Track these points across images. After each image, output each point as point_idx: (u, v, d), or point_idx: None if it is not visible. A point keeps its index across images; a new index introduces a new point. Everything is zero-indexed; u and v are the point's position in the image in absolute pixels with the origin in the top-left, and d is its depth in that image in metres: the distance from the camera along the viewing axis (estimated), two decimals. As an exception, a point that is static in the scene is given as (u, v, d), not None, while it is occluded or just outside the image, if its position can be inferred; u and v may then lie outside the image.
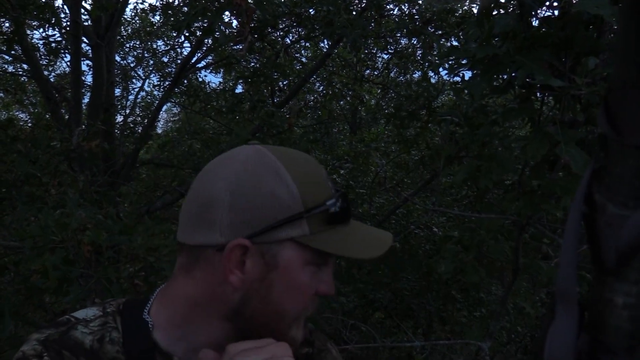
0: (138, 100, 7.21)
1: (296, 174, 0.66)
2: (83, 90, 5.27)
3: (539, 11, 1.59)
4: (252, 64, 5.41)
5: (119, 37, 6.37)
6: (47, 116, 5.53)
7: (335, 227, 0.68)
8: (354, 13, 4.37)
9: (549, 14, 1.59)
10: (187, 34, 4.85)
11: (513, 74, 1.53)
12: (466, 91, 1.95)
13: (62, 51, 5.43)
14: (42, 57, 6.21)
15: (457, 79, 2.20)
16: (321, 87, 6.17)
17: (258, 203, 0.64)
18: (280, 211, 0.64)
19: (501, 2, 1.64)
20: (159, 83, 7.43)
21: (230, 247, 0.64)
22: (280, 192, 0.65)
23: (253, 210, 0.64)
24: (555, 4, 1.55)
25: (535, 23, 1.60)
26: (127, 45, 7.28)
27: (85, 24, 4.92)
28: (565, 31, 1.49)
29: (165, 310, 0.69)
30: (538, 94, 1.71)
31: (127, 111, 6.89)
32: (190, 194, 0.69)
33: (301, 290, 0.67)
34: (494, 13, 1.62)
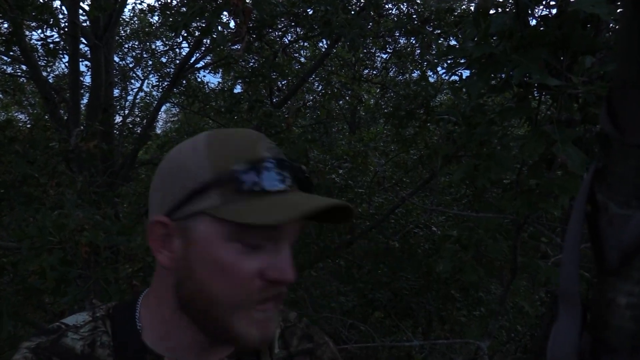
0: (137, 100, 7.21)
1: (215, 146, 0.62)
2: (81, 91, 5.27)
3: (535, 10, 1.59)
4: (251, 64, 5.41)
5: (117, 38, 6.36)
6: (46, 117, 5.52)
7: (256, 197, 0.60)
8: (352, 13, 4.37)
9: (546, 12, 1.59)
10: (185, 35, 4.85)
11: (510, 73, 1.53)
12: (464, 90, 1.95)
13: (61, 52, 5.42)
14: (41, 58, 6.20)
15: (455, 78, 2.20)
16: (320, 87, 6.17)
17: (172, 178, 0.62)
18: (190, 183, 0.61)
19: (498, 1, 1.64)
20: (157, 83, 7.42)
21: (149, 225, 0.63)
22: (190, 163, 0.62)
23: (168, 186, 0.62)
24: (552, 2, 1.55)
25: (532, 22, 1.60)
26: (126, 46, 7.27)
27: (84, 24, 4.91)
28: (562, 30, 1.49)
29: (148, 311, 0.69)
30: (535, 93, 1.71)
31: (126, 112, 6.89)
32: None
33: (228, 270, 0.60)
34: (491, 12, 1.62)
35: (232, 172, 0.60)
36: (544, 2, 1.56)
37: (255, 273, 0.60)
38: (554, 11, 1.56)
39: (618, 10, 1.29)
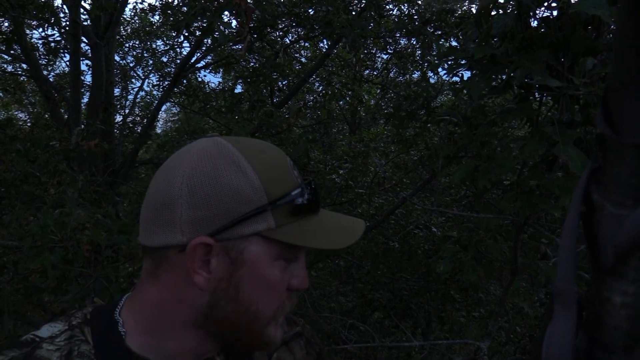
0: (137, 100, 7.20)
1: (257, 164, 0.62)
2: (82, 90, 5.27)
3: (537, 11, 1.60)
4: (252, 63, 5.41)
5: (118, 37, 6.36)
6: (46, 116, 5.53)
7: (302, 218, 0.64)
8: (353, 13, 4.37)
9: (547, 14, 1.60)
10: (186, 34, 4.85)
11: (511, 74, 1.53)
12: (465, 91, 1.95)
13: (61, 51, 5.42)
14: (41, 56, 6.21)
15: (456, 79, 2.21)
16: (320, 87, 6.17)
17: (218, 197, 0.60)
18: (242, 205, 0.60)
19: (500, 2, 1.64)
20: (158, 83, 7.42)
21: (192, 246, 0.60)
22: (241, 184, 0.61)
23: (213, 206, 0.60)
24: (553, 4, 1.55)
25: (533, 23, 1.60)
26: (127, 45, 7.28)
27: (85, 23, 4.92)
28: (563, 31, 1.49)
29: (134, 316, 0.66)
30: (536, 94, 1.71)
31: (127, 111, 6.89)
32: (149, 193, 0.65)
33: (272, 286, 0.63)
34: (492, 13, 1.63)
35: (287, 196, 0.63)
36: (545, 4, 1.56)
37: (286, 285, 0.65)
38: (555, 13, 1.57)
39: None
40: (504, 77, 1.60)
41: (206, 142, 0.65)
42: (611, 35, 1.64)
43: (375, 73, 7.01)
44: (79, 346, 0.64)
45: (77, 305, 1.93)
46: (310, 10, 4.42)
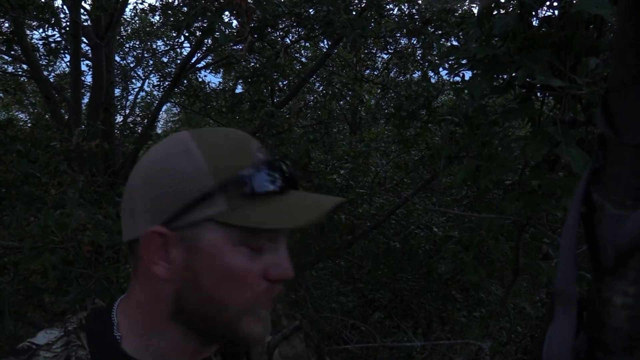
0: (138, 100, 7.20)
1: (207, 147, 0.60)
2: (83, 91, 5.27)
3: (539, 11, 1.59)
4: (252, 63, 5.41)
5: (118, 37, 6.36)
6: (47, 116, 5.53)
7: (263, 199, 0.60)
8: (354, 13, 4.37)
9: (549, 13, 1.59)
10: (186, 34, 4.85)
11: (513, 74, 1.53)
12: (466, 91, 1.95)
13: (62, 51, 5.42)
14: (42, 57, 6.21)
15: (457, 78, 2.20)
16: (321, 87, 6.17)
17: (167, 184, 0.59)
18: (190, 190, 0.58)
19: (501, 2, 1.64)
20: (158, 83, 7.42)
21: (144, 236, 0.60)
22: (186, 168, 0.59)
23: (164, 193, 0.59)
24: (555, 3, 1.55)
25: (535, 23, 1.60)
26: (127, 46, 7.28)
27: (85, 24, 4.92)
28: (565, 31, 1.49)
29: (126, 319, 0.66)
30: (538, 94, 1.71)
31: (127, 111, 6.89)
32: (124, 190, 0.66)
33: (236, 276, 0.59)
34: (494, 13, 1.62)
35: (237, 176, 0.59)
36: (547, 3, 1.56)
37: (260, 275, 0.61)
38: (557, 12, 1.56)
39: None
40: (506, 76, 1.60)
41: (172, 135, 0.65)
42: (613, 34, 1.63)
43: (375, 73, 7.01)
44: (76, 352, 0.64)
45: (77, 307, 1.93)
46: (310, 10, 4.42)
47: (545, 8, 1.58)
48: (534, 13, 1.57)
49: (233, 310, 0.60)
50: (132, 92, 7.14)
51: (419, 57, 5.64)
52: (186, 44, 6.85)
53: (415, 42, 5.62)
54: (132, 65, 7.20)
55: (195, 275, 0.60)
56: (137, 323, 0.65)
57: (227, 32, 3.01)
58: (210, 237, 0.59)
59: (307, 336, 0.83)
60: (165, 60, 7.38)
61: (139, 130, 5.76)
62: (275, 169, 0.62)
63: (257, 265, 0.60)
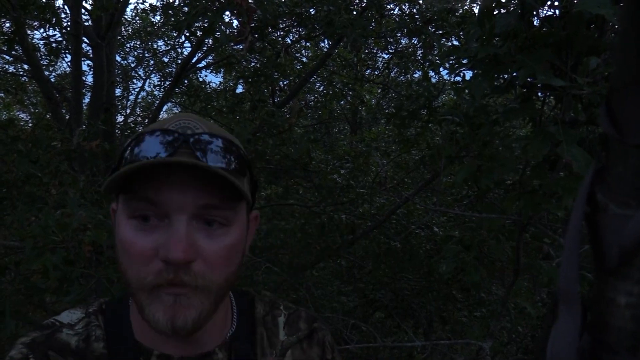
0: (139, 100, 7.22)
1: (142, 130, 0.63)
2: (83, 90, 5.28)
3: (540, 10, 1.59)
4: (253, 63, 5.41)
5: (119, 37, 6.37)
6: (48, 116, 5.53)
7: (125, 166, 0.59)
8: (355, 13, 4.37)
9: (551, 13, 1.59)
10: (187, 34, 4.85)
11: (514, 74, 1.53)
12: (467, 91, 1.95)
13: (63, 51, 5.43)
14: (43, 57, 6.22)
15: (458, 78, 2.20)
16: (321, 87, 6.17)
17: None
18: (115, 167, 0.63)
19: (502, 1, 1.64)
20: (159, 83, 7.44)
21: (110, 211, 0.66)
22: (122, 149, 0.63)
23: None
24: (556, 3, 1.54)
25: (536, 22, 1.60)
26: (128, 45, 7.29)
27: (86, 24, 4.92)
28: (567, 30, 1.49)
29: (133, 305, 0.69)
30: (539, 94, 1.71)
31: (128, 111, 6.91)
32: None
33: (125, 248, 0.58)
34: (495, 12, 1.62)
35: (122, 149, 0.62)
36: (548, 3, 1.55)
37: (151, 252, 0.58)
38: (558, 12, 1.56)
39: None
40: (507, 76, 1.60)
41: None
42: (615, 34, 1.63)
43: (376, 73, 7.01)
44: (95, 331, 0.68)
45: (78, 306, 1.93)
46: (311, 10, 4.42)
47: (546, 8, 1.58)
48: (535, 13, 1.57)
49: (133, 286, 0.59)
50: (133, 92, 7.15)
51: (419, 57, 5.64)
52: (187, 44, 6.86)
53: (416, 42, 5.62)
54: (133, 65, 7.21)
55: (116, 247, 0.62)
56: (132, 305, 0.68)
57: (227, 32, 3.01)
58: (119, 208, 0.62)
59: (322, 344, 0.80)
60: (166, 60, 7.39)
61: (140, 130, 5.76)
62: (161, 134, 0.60)
63: (145, 240, 0.58)
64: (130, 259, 0.58)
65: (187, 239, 0.57)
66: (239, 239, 0.63)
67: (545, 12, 1.59)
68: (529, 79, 1.53)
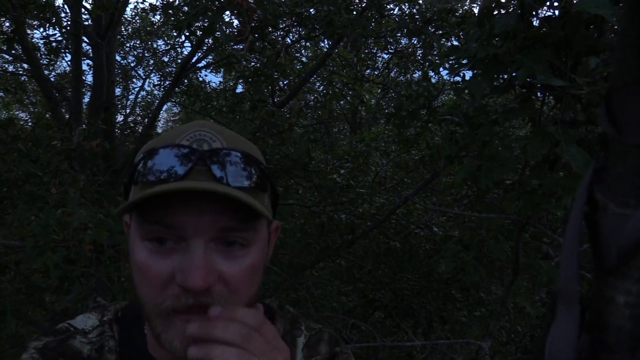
0: (138, 99, 7.22)
1: (155, 143, 0.59)
2: (83, 90, 5.28)
3: (539, 11, 1.59)
4: (253, 63, 5.42)
5: (119, 37, 6.36)
6: (48, 115, 5.53)
7: (145, 187, 0.55)
8: (354, 13, 4.37)
9: (550, 13, 1.59)
10: (187, 34, 4.85)
11: (514, 74, 1.53)
12: (467, 91, 1.95)
13: (63, 51, 5.43)
14: (43, 56, 6.21)
15: (458, 78, 2.21)
16: (321, 87, 6.17)
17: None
18: (126, 187, 0.61)
19: (502, 2, 1.64)
20: (159, 82, 7.43)
21: (124, 223, 0.63)
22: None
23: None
24: (555, 3, 1.55)
25: (536, 23, 1.60)
26: (128, 45, 7.28)
27: (86, 23, 4.92)
28: (566, 31, 1.49)
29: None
30: (539, 94, 1.71)
31: (128, 110, 6.91)
32: None
33: (140, 271, 0.56)
34: (494, 13, 1.62)
35: (134, 165, 0.58)
36: (547, 3, 1.56)
37: (167, 276, 0.55)
38: (557, 12, 1.56)
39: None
40: (506, 76, 1.60)
41: None
42: (614, 34, 1.64)
43: (376, 73, 7.01)
44: (109, 342, 0.66)
45: (79, 305, 1.94)
46: (311, 10, 4.42)
47: (545, 8, 1.58)
48: (534, 13, 1.57)
49: (148, 310, 0.56)
50: (132, 91, 7.15)
51: (419, 57, 5.64)
52: (187, 44, 6.86)
53: (415, 42, 5.62)
54: (132, 64, 7.21)
55: (131, 266, 0.59)
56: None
57: (227, 31, 3.01)
58: (132, 227, 0.59)
59: None
60: (165, 59, 7.39)
61: (140, 130, 5.76)
62: (183, 154, 0.56)
63: (161, 264, 0.55)
64: (145, 282, 0.56)
65: (205, 265, 0.54)
66: (260, 258, 0.60)
67: (544, 12, 1.59)
68: (528, 79, 1.53)
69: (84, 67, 5.06)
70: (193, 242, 0.54)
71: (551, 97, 1.71)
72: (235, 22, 3.41)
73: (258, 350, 0.51)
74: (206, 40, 4.76)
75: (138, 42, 7.36)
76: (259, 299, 0.72)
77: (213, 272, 0.54)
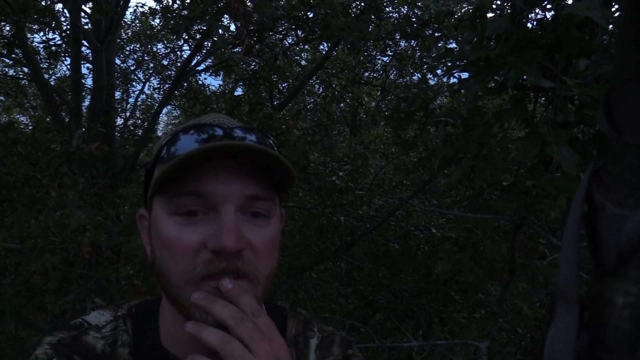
0: (138, 103, 7.23)
1: (177, 129, 0.63)
2: (83, 93, 5.29)
3: (531, 13, 1.61)
4: (251, 66, 5.43)
5: (119, 41, 6.37)
6: (48, 119, 5.55)
7: (166, 162, 0.60)
8: (352, 16, 4.39)
9: (542, 16, 1.61)
10: (186, 37, 4.87)
11: (506, 76, 1.54)
12: (462, 92, 1.96)
13: (62, 54, 5.44)
14: (43, 60, 6.22)
15: (454, 80, 2.22)
16: (320, 90, 6.18)
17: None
18: (148, 171, 0.65)
19: (496, 3, 1.66)
20: (158, 86, 7.45)
21: (137, 219, 0.67)
22: (156, 149, 0.64)
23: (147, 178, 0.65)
24: (547, 6, 1.56)
25: (527, 25, 1.61)
26: (127, 49, 7.29)
27: (86, 27, 4.94)
28: (557, 33, 1.50)
29: (162, 312, 0.68)
30: (531, 95, 1.72)
31: (127, 114, 6.92)
32: None
33: (169, 245, 0.58)
34: (487, 15, 1.64)
35: (159, 147, 0.63)
36: (539, 5, 1.57)
37: (198, 245, 0.57)
38: (549, 14, 1.58)
39: (616, 14, 1.30)
40: (499, 78, 1.61)
41: None
42: (605, 36, 1.65)
43: (374, 75, 7.02)
44: (122, 336, 0.67)
45: (77, 306, 1.95)
46: (309, 13, 4.44)
47: (537, 10, 1.60)
48: (526, 15, 1.58)
49: (176, 283, 0.58)
50: (132, 94, 7.16)
51: (417, 60, 5.65)
52: (186, 47, 6.88)
53: (414, 45, 5.63)
54: (132, 68, 7.21)
55: (154, 249, 0.62)
56: (165, 313, 0.67)
57: (225, 35, 3.03)
58: (156, 207, 0.62)
59: None
60: (165, 63, 7.39)
61: (139, 133, 5.78)
62: (202, 131, 0.60)
63: (191, 234, 0.58)
64: (174, 255, 0.58)
65: (237, 227, 0.57)
66: (278, 231, 0.64)
67: (536, 14, 1.61)
68: (520, 81, 1.54)
69: (84, 70, 5.08)
70: (224, 208, 0.58)
71: (543, 99, 1.73)
72: (233, 26, 3.43)
73: (247, 335, 0.53)
74: (205, 43, 4.78)
75: (138, 46, 7.37)
76: (269, 299, 0.74)
77: (244, 236, 0.58)
